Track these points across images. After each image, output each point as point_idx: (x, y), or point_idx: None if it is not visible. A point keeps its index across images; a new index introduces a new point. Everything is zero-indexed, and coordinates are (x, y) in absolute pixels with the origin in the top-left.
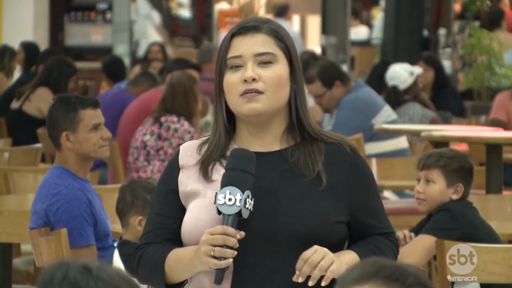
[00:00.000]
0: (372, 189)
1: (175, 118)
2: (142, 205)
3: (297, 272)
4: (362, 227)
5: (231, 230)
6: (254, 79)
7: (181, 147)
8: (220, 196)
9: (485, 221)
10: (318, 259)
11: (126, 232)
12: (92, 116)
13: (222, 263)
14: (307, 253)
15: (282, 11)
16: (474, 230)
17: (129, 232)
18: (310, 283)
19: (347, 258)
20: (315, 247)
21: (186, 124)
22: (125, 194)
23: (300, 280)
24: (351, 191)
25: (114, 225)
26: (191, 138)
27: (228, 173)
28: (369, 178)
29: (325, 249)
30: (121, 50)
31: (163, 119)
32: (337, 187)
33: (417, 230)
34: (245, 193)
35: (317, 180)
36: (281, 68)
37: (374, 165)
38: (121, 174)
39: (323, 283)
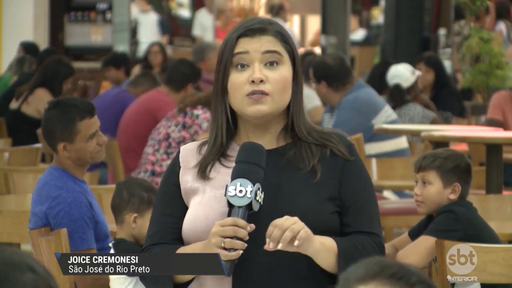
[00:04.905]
0: (361, 187)
1: (199, 107)
2: (138, 203)
3: (267, 240)
4: (347, 221)
5: (241, 221)
6: (261, 81)
7: (181, 147)
8: (230, 188)
9: (486, 222)
10: (289, 224)
11: (120, 230)
12: (89, 126)
13: (233, 254)
14: (277, 220)
15: (278, 11)
16: (476, 231)
17: (123, 229)
18: (280, 246)
19: (323, 239)
20: (286, 216)
21: (208, 113)
22: (122, 190)
23: (272, 246)
24: (342, 185)
25: (113, 225)
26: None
27: (238, 166)
28: (359, 177)
29: (296, 217)
30: (121, 50)
31: (188, 109)
32: (330, 180)
33: (416, 231)
34: (256, 185)
35: (312, 173)
36: (286, 70)
37: (374, 165)
38: (121, 174)
39: (296, 243)
